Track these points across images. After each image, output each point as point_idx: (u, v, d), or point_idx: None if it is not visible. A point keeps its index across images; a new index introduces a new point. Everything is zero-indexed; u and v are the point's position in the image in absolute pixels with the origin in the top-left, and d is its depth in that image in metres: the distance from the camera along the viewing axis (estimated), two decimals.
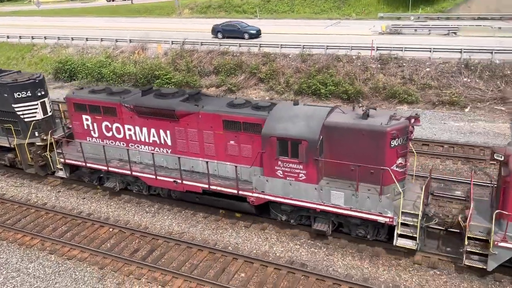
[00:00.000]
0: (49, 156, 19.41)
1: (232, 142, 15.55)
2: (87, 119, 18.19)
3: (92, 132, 18.35)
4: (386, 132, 13.06)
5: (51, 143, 19.12)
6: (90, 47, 41.86)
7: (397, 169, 13.53)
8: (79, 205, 18.63)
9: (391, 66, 29.42)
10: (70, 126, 19.50)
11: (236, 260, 14.44)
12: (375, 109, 14.31)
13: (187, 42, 37.36)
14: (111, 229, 16.68)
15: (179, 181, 16.43)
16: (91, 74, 36.88)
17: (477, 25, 37.19)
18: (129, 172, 17.44)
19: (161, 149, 17.10)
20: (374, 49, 31.03)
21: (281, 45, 33.93)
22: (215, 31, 40.23)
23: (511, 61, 27.30)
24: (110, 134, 17.97)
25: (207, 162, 15.71)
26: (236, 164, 15.27)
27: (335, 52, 31.46)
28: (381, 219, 13.49)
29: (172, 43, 38.25)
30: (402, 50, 30.22)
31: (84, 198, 19.16)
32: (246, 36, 38.57)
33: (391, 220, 13.31)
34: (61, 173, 19.41)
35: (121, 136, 17.78)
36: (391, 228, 13.86)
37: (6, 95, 19.04)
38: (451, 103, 26.55)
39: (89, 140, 18.52)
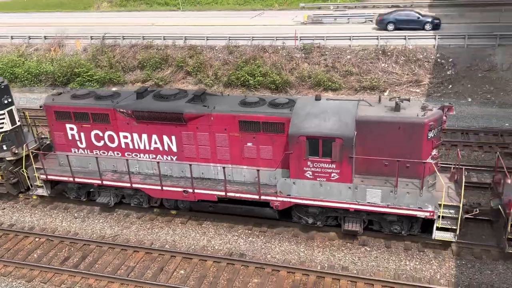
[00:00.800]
0: (25, 173, 17.17)
1: (249, 144, 14.39)
2: (71, 129, 16.11)
3: (78, 143, 16.29)
4: (424, 123, 12.60)
5: (23, 157, 17.00)
6: None
7: (431, 160, 13.18)
8: None
9: (314, 55, 30.34)
10: (47, 137, 17.46)
11: (174, 258, 14.24)
12: (409, 101, 13.65)
13: (108, 37, 35.76)
14: (37, 239, 15.68)
15: (190, 190, 15.06)
16: (2, 74, 34.07)
17: None
18: (128, 185, 15.66)
19: (165, 156, 15.52)
20: (297, 39, 31.78)
21: (207, 37, 33.65)
22: (384, 22, 33.20)
23: (422, 45, 29.33)
24: (101, 143, 16.02)
25: (223, 167, 14.50)
26: (258, 168, 14.20)
27: (260, 43, 31.82)
28: (421, 214, 13.03)
29: (92, 39, 36.38)
30: (324, 39, 31.27)
31: (4, 209, 17.79)
32: (428, 26, 32.11)
33: (431, 214, 12.90)
34: (40, 191, 17.10)
35: (115, 145, 15.91)
36: (424, 222, 13.58)
37: None
38: (372, 88, 28.00)
39: (75, 152, 16.48)
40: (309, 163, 13.44)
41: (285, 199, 14.18)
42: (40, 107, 16.78)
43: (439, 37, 29.49)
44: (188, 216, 16.31)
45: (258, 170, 14.05)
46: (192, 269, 13.73)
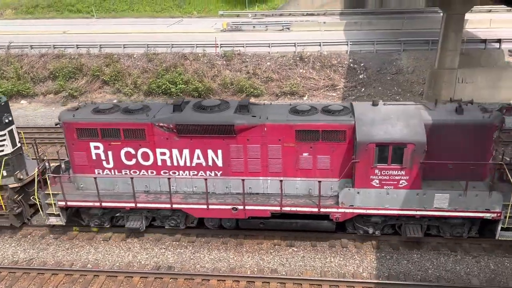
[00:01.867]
0: (37, 200, 14.86)
1: (305, 154, 13.64)
2: (97, 147, 14.28)
3: (104, 163, 14.47)
4: (492, 125, 12.64)
5: (36, 182, 14.83)
6: None
7: (491, 161, 13.10)
8: None
9: (235, 62, 30.67)
10: (65, 157, 15.27)
11: (98, 277, 13.48)
12: (470, 104, 13.56)
13: (14, 46, 33.20)
14: None
15: (240, 207, 13.92)
16: None
17: (306, 20, 41.09)
18: (168, 206, 14.20)
19: (208, 172, 14.28)
20: (218, 46, 31.93)
21: (124, 45, 32.58)
22: None
23: (336, 51, 30.91)
24: (132, 162, 14.37)
25: (280, 180, 13.58)
26: (317, 179, 13.48)
27: (180, 50, 31.50)
28: (488, 216, 12.95)
29: None
30: (244, 46, 31.75)
31: None
32: None
33: (498, 215, 12.88)
34: (53, 220, 14.90)
35: (149, 163, 14.35)
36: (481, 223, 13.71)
37: None
38: (292, 93, 28.93)
39: (99, 173, 14.57)
40: (376, 171, 13.00)
41: (347, 210, 13.58)
42: (56, 124, 14.65)
43: (351, 43, 31.29)
44: (111, 232, 15.57)
45: (319, 182, 13.31)
46: (118, 287, 13.11)
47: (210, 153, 14.04)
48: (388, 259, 13.89)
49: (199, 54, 31.20)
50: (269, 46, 31.55)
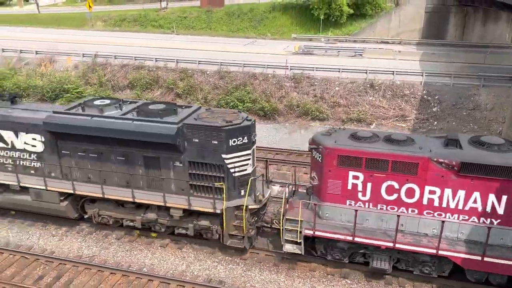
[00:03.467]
0: (280, 224, 14.55)
1: None
2: (356, 177, 13.29)
3: (359, 194, 13.46)
4: None
5: (283, 206, 14.65)
6: None
7: None
8: None
9: (304, 85, 30.79)
10: (310, 182, 14.51)
11: (152, 282, 13.93)
12: None
13: (100, 55, 35.88)
14: (11, 256, 15.22)
15: None
16: None
17: (380, 48, 40.41)
18: (433, 251, 12.81)
19: (482, 219, 12.77)
20: (288, 68, 32.30)
21: (199, 61, 33.99)
22: None
23: (410, 82, 30.02)
24: (393, 197, 13.23)
25: None
26: None
27: (251, 70, 32.25)
28: None
29: (83, 56, 36.50)
30: (313, 70, 31.81)
31: None
32: None
33: None
34: (290, 247, 14.13)
35: (413, 200, 13.10)
36: None
37: (216, 142, 13.91)
38: (359, 120, 28.39)
39: (350, 204, 13.64)
40: None
41: None
42: (311, 149, 14.03)
43: (426, 74, 30.26)
44: (168, 239, 16.05)
45: None
46: None
47: (491, 197, 12.48)
48: None
49: (269, 75, 31.72)
50: (339, 71, 31.36)
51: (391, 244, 13.05)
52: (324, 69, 31.83)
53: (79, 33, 49.96)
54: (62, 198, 15.95)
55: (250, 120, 14.46)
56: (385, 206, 13.40)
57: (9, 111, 16.32)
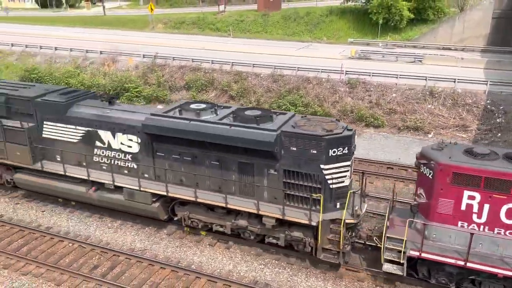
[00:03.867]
0: (381, 243, 13.64)
1: None
2: (472, 197, 12.26)
3: (474, 216, 12.39)
4: None
5: (385, 224, 13.53)
6: (58, 57, 41.02)
7: None
8: (38, 218, 17.94)
9: (359, 90, 30.20)
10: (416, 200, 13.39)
11: (199, 279, 14.18)
12: None
13: (159, 57, 37.21)
14: (70, 244, 16.10)
15: None
16: (58, 84, 36.02)
17: (442, 54, 38.83)
18: None
19: None
20: (343, 73, 31.82)
21: (253, 64, 34.34)
22: None
23: (472, 90, 28.57)
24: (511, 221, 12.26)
25: None
26: None
27: (305, 74, 32.10)
28: None
29: (144, 57, 38.01)
30: (370, 75, 31.12)
31: (44, 211, 18.47)
32: None
33: None
34: (390, 267, 13.19)
35: None
36: None
37: (315, 151, 13.39)
38: (416, 129, 27.40)
39: (462, 226, 12.60)
40: None
41: None
42: (419, 164, 13.17)
43: (491, 83, 28.67)
44: (217, 238, 16.30)
45: None
46: None
47: None
48: None
49: (323, 79, 31.41)
50: (397, 77, 30.46)
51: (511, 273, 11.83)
52: (381, 75, 31.06)
53: (140, 35, 52.12)
54: (154, 199, 16.05)
55: (351, 130, 13.79)
56: (503, 230, 12.18)
57: (107, 111, 16.72)
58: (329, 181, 13.64)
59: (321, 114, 28.78)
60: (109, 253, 15.55)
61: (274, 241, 14.95)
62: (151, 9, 55.88)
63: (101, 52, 39.89)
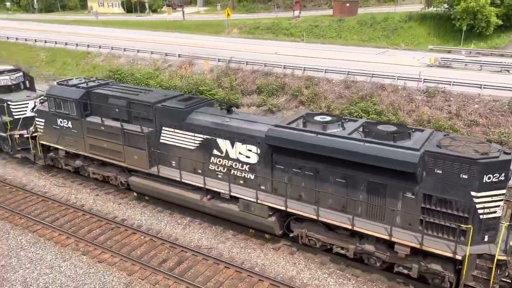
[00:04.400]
0: None
1: None
2: None
3: None
4: None
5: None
6: (140, 59, 43.55)
7: None
8: (115, 210, 19.09)
9: (437, 100, 28.68)
10: None
11: (262, 282, 14.23)
12: None
13: (233, 61, 38.10)
14: (142, 237, 16.93)
15: None
16: (138, 84, 38.23)
17: None
18: None
19: None
20: (421, 81, 30.43)
21: (325, 69, 33.97)
22: None
23: None
24: None
25: None
26: None
27: (380, 80, 31.14)
28: None
29: (219, 61, 39.13)
30: (450, 84, 29.47)
31: (120, 204, 19.62)
32: None
33: None
34: None
35: None
36: None
37: (466, 176, 12.01)
38: (500, 143, 25.40)
39: None
40: None
41: None
42: None
43: None
44: (281, 243, 16.29)
45: None
46: None
47: None
48: None
49: (399, 87, 30.24)
50: (480, 87, 28.53)
51: None
52: (463, 84, 29.26)
53: (216, 39, 53.79)
54: (270, 213, 15.48)
55: (509, 154, 12.21)
56: None
57: (226, 120, 16.45)
58: (480, 211, 12.09)
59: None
60: (177, 248, 16.13)
61: (405, 271, 13.52)
62: (228, 14, 57.47)
63: (179, 55, 41.71)
